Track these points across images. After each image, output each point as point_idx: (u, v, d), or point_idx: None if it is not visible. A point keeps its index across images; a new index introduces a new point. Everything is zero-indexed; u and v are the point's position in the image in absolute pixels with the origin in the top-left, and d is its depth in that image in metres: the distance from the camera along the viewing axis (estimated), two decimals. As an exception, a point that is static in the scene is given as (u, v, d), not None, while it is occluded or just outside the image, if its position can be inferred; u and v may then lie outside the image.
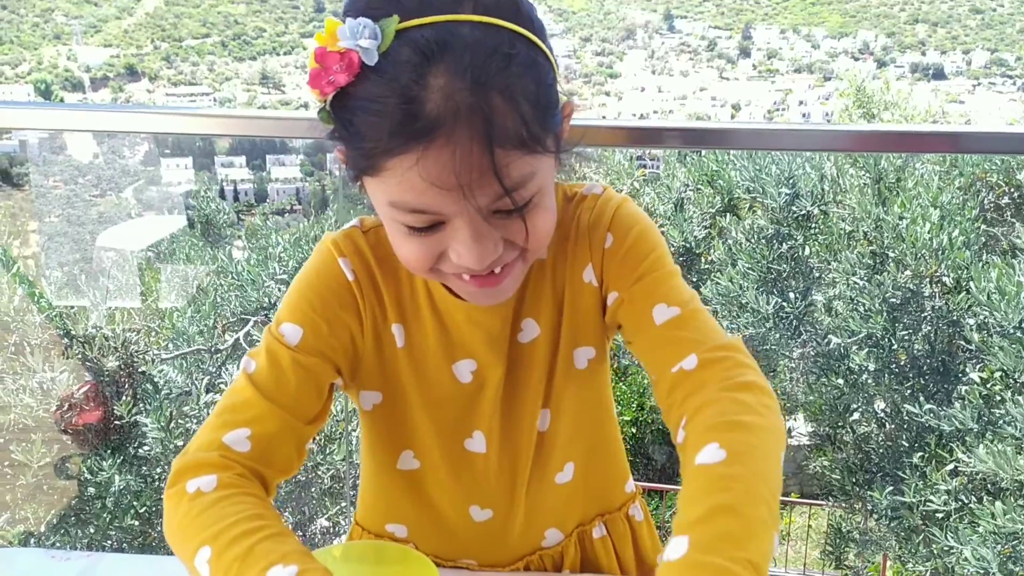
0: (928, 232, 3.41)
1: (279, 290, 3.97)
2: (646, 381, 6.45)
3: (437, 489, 1.05)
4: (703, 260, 4.41)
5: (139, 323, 3.68)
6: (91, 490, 3.36)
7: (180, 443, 3.45)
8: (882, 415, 3.83)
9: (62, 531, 3.44)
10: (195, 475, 0.82)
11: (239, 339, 3.74)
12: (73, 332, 3.52)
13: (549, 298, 0.97)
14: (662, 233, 0.99)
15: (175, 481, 0.83)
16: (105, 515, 3.32)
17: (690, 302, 0.91)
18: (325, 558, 0.83)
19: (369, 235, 0.95)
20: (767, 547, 0.70)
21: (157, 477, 3.53)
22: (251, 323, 3.76)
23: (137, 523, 3.36)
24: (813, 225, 3.97)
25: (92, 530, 3.49)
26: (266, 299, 3.86)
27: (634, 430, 6.68)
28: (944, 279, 3.44)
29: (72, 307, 3.65)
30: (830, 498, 4.40)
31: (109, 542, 3.50)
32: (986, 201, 3.85)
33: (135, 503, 3.36)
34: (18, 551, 1.17)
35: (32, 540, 3.30)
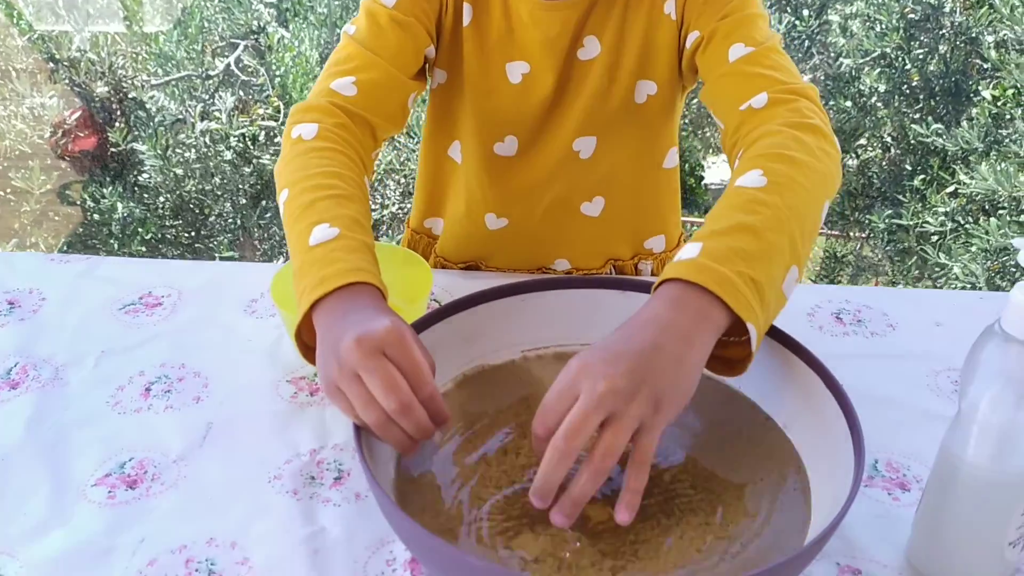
0: (958, -60, 3.17)
1: (268, 13, 3.79)
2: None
3: (465, 188, 1.08)
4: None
5: (124, 48, 3.54)
6: (96, 217, 3.40)
7: (179, 171, 3.44)
8: (888, 139, 3.77)
9: (73, 257, 3.51)
10: (302, 119, 0.88)
11: (230, 64, 3.61)
12: (58, 56, 3.40)
13: (618, 19, 0.94)
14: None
15: (288, 124, 0.89)
16: (113, 242, 3.38)
17: (768, 41, 0.87)
18: None
19: None
20: (777, 273, 0.69)
21: (160, 206, 3.55)
22: (241, 47, 3.62)
23: (144, 249, 3.42)
24: (835, -67, 3.68)
25: (102, 256, 3.57)
26: (255, 22, 3.69)
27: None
28: (968, -8, 3.25)
29: (53, 31, 3.50)
30: (827, 225, 4.44)
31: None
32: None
33: (140, 230, 3.40)
34: (18, 255, 1.18)
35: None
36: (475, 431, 0.77)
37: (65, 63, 3.39)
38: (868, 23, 3.48)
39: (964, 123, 3.12)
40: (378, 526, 0.74)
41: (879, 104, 3.61)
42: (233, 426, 0.86)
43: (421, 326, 0.79)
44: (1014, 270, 2.88)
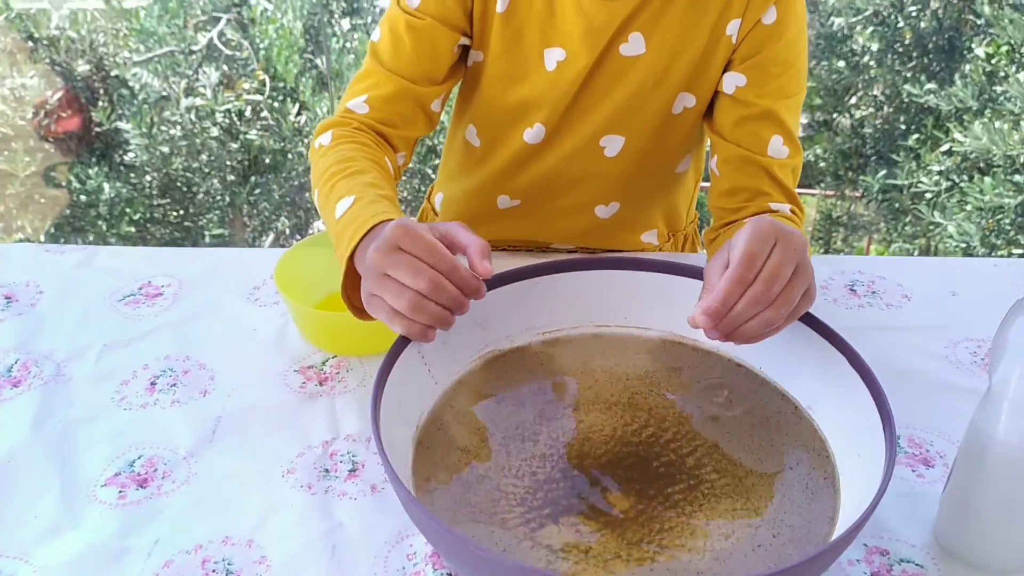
0: None
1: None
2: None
3: (486, 170, 1.07)
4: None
5: (104, 24, 3.46)
6: (83, 198, 3.35)
7: (165, 149, 3.39)
8: (881, 98, 3.74)
9: (60, 240, 3.48)
10: (320, 133, 0.94)
11: (213, 38, 3.55)
12: (36, 35, 3.32)
13: (674, 26, 0.92)
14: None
15: (311, 142, 0.95)
16: (101, 223, 3.33)
17: (799, 150, 0.94)
18: None
19: None
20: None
21: (147, 185, 3.50)
22: (223, 21, 3.56)
23: (133, 229, 3.38)
24: None
25: (91, 238, 3.53)
26: (237, -7, 3.62)
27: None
28: (961, -53, 3.20)
29: (31, 9, 3.42)
30: (820, 186, 4.42)
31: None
32: None
33: (128, 210, 3.35)
34: (12, 246, 1.16)
35: (31, 247, 3.33)
36: (493, 419, 0.76)
37: (44, 42, 3.32)
38: (859, -19, 3.43)
39: (958, 81, 3.09)
40: (396, 519, 0.73)
41: (872, 63, 3.58)
42: (242, 419, 0.84)
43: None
44: (1009, 228, 2.88)
